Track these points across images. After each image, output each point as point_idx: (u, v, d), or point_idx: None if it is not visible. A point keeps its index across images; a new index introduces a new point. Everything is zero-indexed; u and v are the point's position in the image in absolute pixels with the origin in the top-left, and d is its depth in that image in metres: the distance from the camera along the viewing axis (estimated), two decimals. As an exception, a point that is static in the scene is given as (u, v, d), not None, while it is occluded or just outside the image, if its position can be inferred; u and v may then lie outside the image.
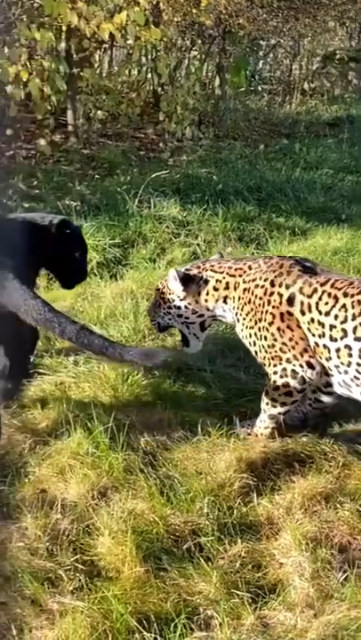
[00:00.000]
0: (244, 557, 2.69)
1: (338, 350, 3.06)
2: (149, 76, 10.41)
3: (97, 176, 7.85)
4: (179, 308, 3.53)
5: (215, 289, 3.46)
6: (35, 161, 7.97)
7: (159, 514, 2.83)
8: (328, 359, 3.12)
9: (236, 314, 3.41)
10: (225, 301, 3.45)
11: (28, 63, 7.29)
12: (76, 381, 3.66)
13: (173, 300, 3.53)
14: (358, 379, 3.06)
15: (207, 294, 3.48)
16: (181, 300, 3.51)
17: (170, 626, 2.38)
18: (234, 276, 3.43)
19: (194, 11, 9.57)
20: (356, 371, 3.04)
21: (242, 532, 2.81)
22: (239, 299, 3.38)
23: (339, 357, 3.07)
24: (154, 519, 2.81)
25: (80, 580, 2.57)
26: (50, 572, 2.60)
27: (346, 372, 3.08)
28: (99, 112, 9.31)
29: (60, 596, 2.51)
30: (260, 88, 13.55)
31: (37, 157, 8.03)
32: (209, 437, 3.30)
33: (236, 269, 3.44)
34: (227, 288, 3.44)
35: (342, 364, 3.07)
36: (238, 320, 3.41)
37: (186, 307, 3.52)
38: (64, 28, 7.66)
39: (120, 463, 3.09)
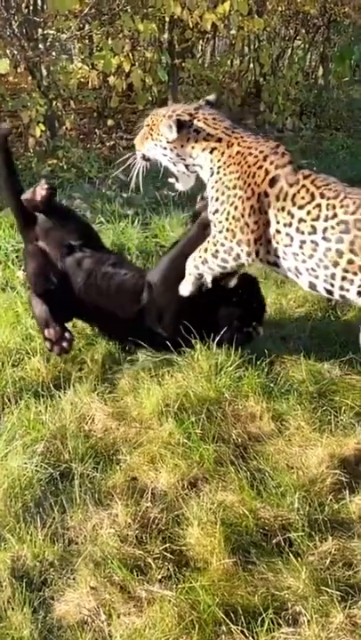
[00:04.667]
0: (334, 555, 2.65)
1: (303, 242, 3.18)
2: (251, 66, 10.34)
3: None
4: (164, 148, 3.58)
5: (206, 140, 3.49)
6: (135, 151, 8.05)
7: (249, 507, 2.82)
8: (287, 245, 3.24)
9: (219, 167, 3.44)
10: (211, 152, 3.47)
11: (130, 54, 7.37)
12: (169, 371, 3.67)
13: (161, 141, 3.58)
14: (315, 270, 3.21)
15: (196, 142, 3.51)
16: (168, 142, 3.55)
17: (257, 619, 2.37)
18: (230, 136, 3.46)
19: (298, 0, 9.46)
20: (316, 264, 3.19)
21: (333, 529, 2.77)
22: (229, 156, 3.42)
23: (301, 249, 3.20)
24: (243, 512, 2.80)
25: (168, 569, 2.59)
26: (139, 560, 2.63)
27: (304, 262, 3.23)
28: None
29: (149, 584, 2.54)
30: (364, 78, 13.27)
31: (138, 148, 8.10)
32: (301, 432, 3.27)
33: (233, 131, 3.47)
34: (218, 141, 3.46)
35: (303, 254, 3.20)
36: (217, 172, 3.45)
37: (171, 149, 3.57)
38: (167, 19, 7.70)
39: (211, 454, 3.09)
